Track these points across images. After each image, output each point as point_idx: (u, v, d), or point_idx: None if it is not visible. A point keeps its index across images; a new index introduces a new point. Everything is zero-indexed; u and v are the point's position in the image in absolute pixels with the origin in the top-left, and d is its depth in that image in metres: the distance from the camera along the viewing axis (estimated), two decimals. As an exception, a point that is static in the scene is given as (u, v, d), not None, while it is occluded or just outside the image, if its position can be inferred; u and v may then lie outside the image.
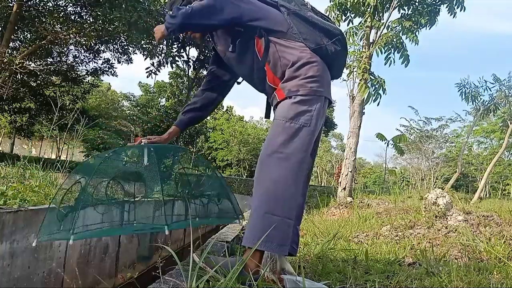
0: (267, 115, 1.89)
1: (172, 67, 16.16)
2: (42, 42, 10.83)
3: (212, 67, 2.00)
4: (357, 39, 8.93)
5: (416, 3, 8.26)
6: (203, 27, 1.72)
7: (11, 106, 16.83)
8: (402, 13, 8.43)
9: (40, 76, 14.84)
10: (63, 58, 15.08)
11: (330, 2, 8.50)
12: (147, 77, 14.99)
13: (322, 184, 34.94)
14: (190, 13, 1.58)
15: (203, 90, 1.98)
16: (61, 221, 1.56)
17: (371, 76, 8.10)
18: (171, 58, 14.81)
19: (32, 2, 11.31)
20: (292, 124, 1.57)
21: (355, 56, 8.56)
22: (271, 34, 1.68)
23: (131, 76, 67.81)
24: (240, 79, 1.99)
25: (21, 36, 13.33)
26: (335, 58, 1.74)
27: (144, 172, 1.70)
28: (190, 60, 16.98)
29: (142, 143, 1.74)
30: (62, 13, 11.27)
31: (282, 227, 1.49)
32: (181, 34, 1.88)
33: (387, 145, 16.77)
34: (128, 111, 30.80)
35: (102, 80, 23.05)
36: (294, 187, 1.54)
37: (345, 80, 8.68)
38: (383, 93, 8.20)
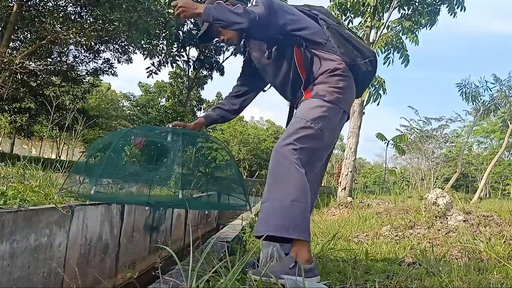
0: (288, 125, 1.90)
1: (173, 67, 16.18)
2: (42, 42, 10.82)
3: (243, 74, 2.03)
4: (357, 39, 8.93)
5: (416, 3, 8.26)
6: (263, 36, 1.73)
7: (11, 106, 16.81)
8: (402, 13, 8.43)
9: (40, 76, 14.84)
10: (63, 58, 15.06)
11: (330, 2, 8.50)
12: (148, 77, 15.01)
13: (322, 184, 34.91)
14: (257, 21, 1.58)
15: (232, 96, 2.03)
16: (86, 173, 1.77)
17: (371, 76, 8.09)
18: (171, 58, 14.81)
19: (32, 2, 11.30)
20: (313, 125, 1.60)
21: (355, 56, 8.55)
22: (310, 45, 1.70)
23: (131, 76, 67.82)
24: (266, 87, 2.01)
25: (21, 36, 13.32)
26: (363, 78, 1.78)
27: (169, 145, 1.90)
28: (190, 60, 17.00)
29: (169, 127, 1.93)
30: (62, 13, 11.26)
31: (307, 212, 1.54)
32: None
33: (387, 145, 16.79)
34: (128, 111, 30.79)
35: (102, 80, 23.02)
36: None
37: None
38: (383, 93, 8.21)
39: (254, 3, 1.65)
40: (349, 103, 1.73)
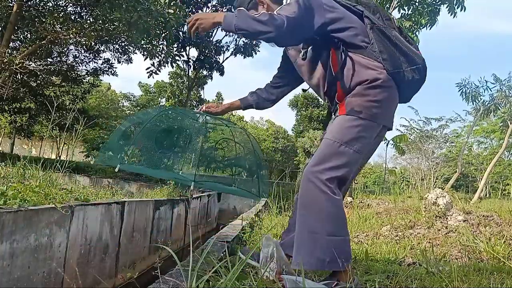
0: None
1: (173, 67, 16.16)
2: (42, 42, 10.81)
3: (281, 67, 1.98)
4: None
5: (416, 3, 8.26)
6: (295, 41, 1.61)
7: (11, 106, 16.83)
8: (402, 13, 8.43)
9: (40, 76, 14.84)
10: (63, 58, 15.06)
11: (330, 2, 8.50)
12: (148, 77, 15.00)
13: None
14: (285, 28, 1.41)
15: (271, 86, 1.99)
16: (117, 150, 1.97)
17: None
18: (171, 57, 14.80)
19: (32, 2, 11.31)
20: (347, 148, 1.49)
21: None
22: (349, 48, 1.55)
23: (131, 76, 67.85)
24: (306, 87, 1.93)
25: (21, 36, 13.32)
26: (409, 86, 1.62)
27: (191, 130, 2.08)
28: (190, 60, 16.99)
29: (201, 111, 2.02)
30: (62, 13, 11.26)
31: (346, 245, 1.48)
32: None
33: (387, 145, 16.79)
34: (128, 111, 30.80)
35: (102, 80, 23.03)
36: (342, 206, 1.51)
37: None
38: (383, 93, 8.20)
39: (287, 1, 1.53)
40: (389, 116, 1.59)
